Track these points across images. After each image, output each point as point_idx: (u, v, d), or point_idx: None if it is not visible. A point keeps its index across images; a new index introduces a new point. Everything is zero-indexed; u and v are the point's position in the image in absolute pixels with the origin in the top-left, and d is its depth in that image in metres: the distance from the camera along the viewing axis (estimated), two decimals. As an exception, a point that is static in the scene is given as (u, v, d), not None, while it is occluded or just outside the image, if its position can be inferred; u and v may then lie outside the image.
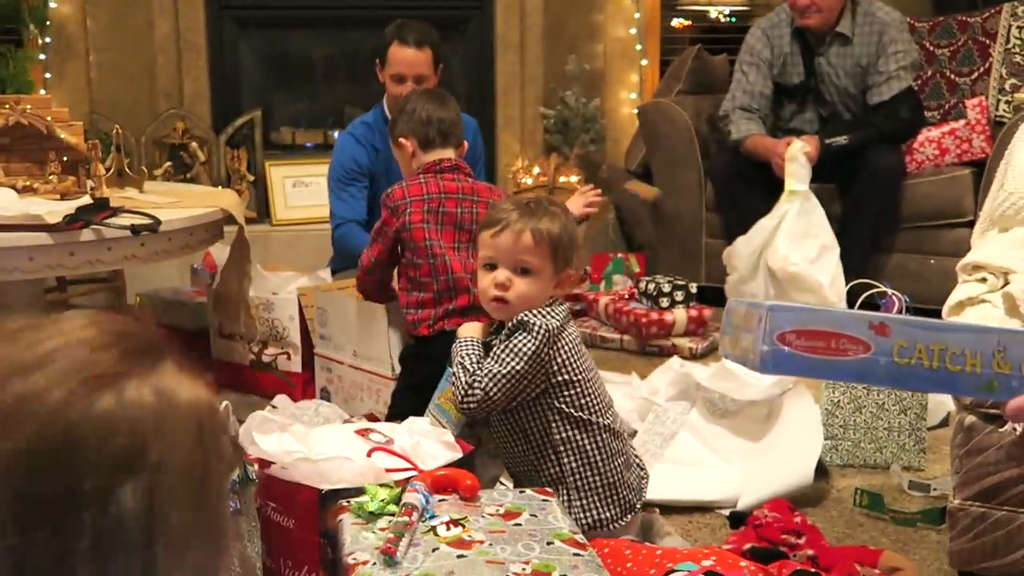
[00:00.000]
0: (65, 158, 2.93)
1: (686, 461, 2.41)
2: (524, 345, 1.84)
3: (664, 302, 3.53)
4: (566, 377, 1.89)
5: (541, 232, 1.86)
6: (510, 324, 1.89)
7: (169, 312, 3.38)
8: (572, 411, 1.89)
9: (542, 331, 1.84)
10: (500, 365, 1.85)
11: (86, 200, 2.59)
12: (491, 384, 1.84)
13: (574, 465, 1.88)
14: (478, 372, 1.86)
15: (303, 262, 4.09)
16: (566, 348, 1.90)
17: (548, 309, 1.89)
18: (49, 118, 2.88)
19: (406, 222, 2.44)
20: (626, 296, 3.70)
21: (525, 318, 1.86)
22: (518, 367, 1.83)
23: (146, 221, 2.52)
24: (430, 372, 2.24)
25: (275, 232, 4.29)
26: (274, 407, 2.87)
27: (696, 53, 4.41)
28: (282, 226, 4.33)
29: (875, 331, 1.07)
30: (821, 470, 2.43)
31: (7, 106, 2.86)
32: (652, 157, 4.19)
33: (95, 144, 2.94)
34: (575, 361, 1.91)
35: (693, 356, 3.45)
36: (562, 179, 4.44)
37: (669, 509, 2.24)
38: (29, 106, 2.86)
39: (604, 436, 1.91)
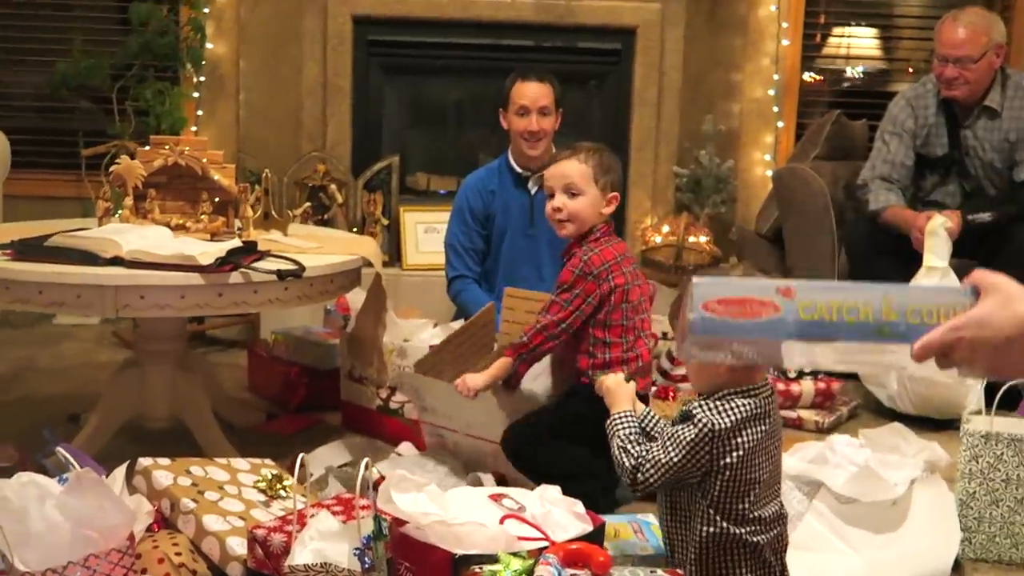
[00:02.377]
0: (217, 199, 3.06)
1: (812, 547, 2.36)
2: (684, 435, 1.81)
3: (791, 373, 3.48)
4: (726, 478, 1.83)
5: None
6: (680, 410, 1.87)
7: (301, 351, 3.46)
8: (719, 515, 1.84)
9: (705, 428, 1.80)
10: (662, 453, 1.84)
11: (235, 242, 2.69)
12: (652, 472, 1.84)
13: (707, 559, 1.85)
14: (643, 457, 1.85)
15: (432, 306, 4.16)
16: (739, 452, 1.82)
17: (722, 404, 1.83)
18: (204, 160, 3.01)
19: (612, 286, 2.57)
20: (753, 363, 3.66)
21: (692, 410, 1.83)
22: (676, 459, 1.81)
23: (291, 267, 2.60)
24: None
25: (405, 276, 4.37)
26: (399, 454, 2.93)
27: (835, 118, 4.36)
28: (413, 270, 4.41)
29: (782, 294, 1.30)
30: (953, 563, 2.36)
31: (167, 147, 2.99)
32: (786, 222, 4.15)
33: (245, 187, 3.06)
34: (744, 469, 1.83)
35: (819, 430, 3.39)
36: (691, 239, 4.42)
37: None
38: (187, 148, 2.99)
39: (740, 550, 1.85)
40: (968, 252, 3.59)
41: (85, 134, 4.72)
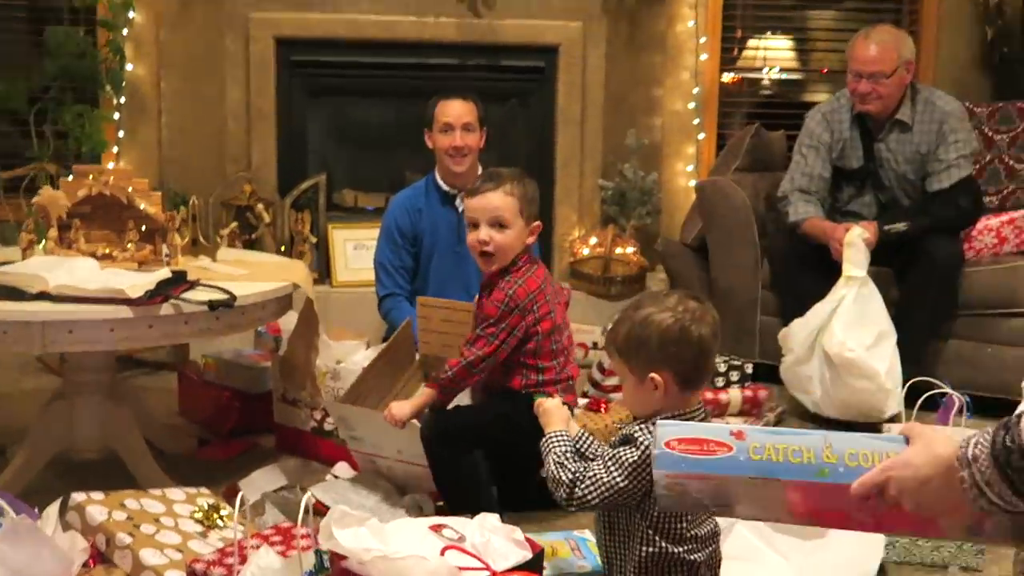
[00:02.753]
0: (144, 227, 3.04)
1: (742, 556, 2.42)
2: (627, 457, 1.85)
3: (719, 382, 3.56)
4: None
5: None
6: (620, 433, 1.91)
7: (233, 374, 3.45)
8: (658, 536, 1.87)
9: (647, 451, 1.83)
10: (604, 472, 1.86)
11: (164, 272, 2.67)
12: (591, 489, 1.86)
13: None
14: (581, 474, 1.87)
15: (362, 324, 4.16)
16: None
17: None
18: (130, 188, 2.99)
19: (536, 317, 2.61)
20: (681, 374, 3.72)
21: (634, 434, 1.86)
22: (618, 480, 1.84)
23: (222, 297, 2.60)
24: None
25: (335, 293, 4.37)
26: (335, 476, 2.93)
27: (755, 131, 4.46)
28: (343, 287, 4.41)
29: (735, 436, 1.47)
30: (879, 568, 2.44)
31: (91, 176, 2.97)
32: (709, 234, 4.23)
33: (173, 215, 3.04)
34: None
35: (747, 437, 3.47)
36: (618, 250, 4.49)
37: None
38: (111, 178, 2.97)
39: (678, 569, 1.88)
40: (884, 261, 3.70)
41: (2, 156, 4.64)
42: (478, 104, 3.61)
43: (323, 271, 4.46)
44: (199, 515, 2.35)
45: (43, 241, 2.95)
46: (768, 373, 4.07)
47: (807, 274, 3.81)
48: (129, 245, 3.00)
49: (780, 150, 4.62)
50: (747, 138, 4.44)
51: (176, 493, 2.44)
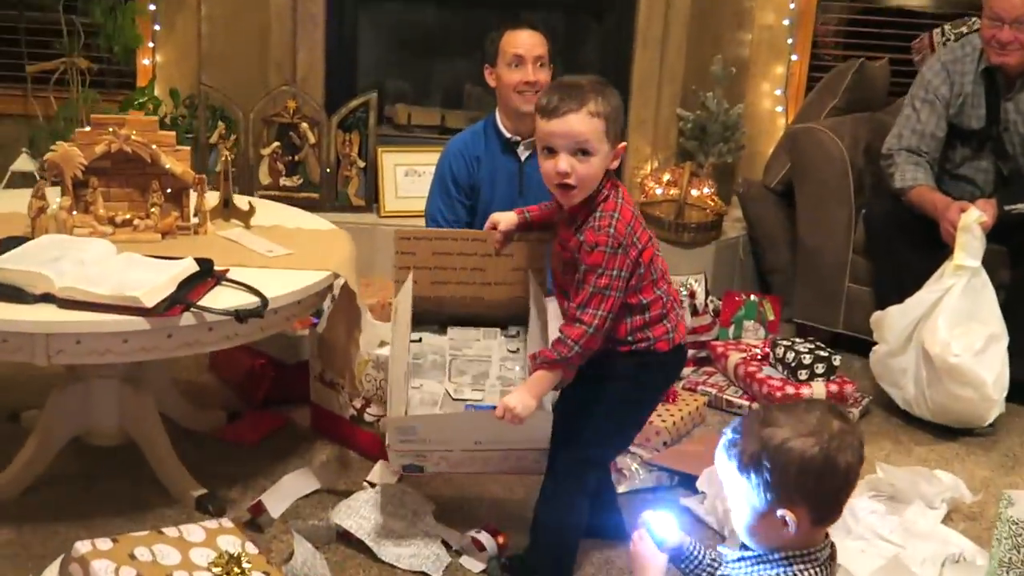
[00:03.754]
0: (169, 189, 2.69)
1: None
2: None
3: (803, 374, 3.21)
4: None
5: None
6: None
7: (267, 341, 3.12)
8: None
9: None
10: None
11: (186, 264, 2.33)
12: None
13: None
14: None
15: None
16: None
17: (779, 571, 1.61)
18: (154, 145, 2.63)
19: (639, 249, 2.20)
20: (759, 357, 3.37)
21: None
22: None
23: (251, 302, 2.27)
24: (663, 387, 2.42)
25: (383, 226, 4.02)
26: (370, 484, 2.65)
27: (858, 67, 3.98)
28: (391, 217, 4.06)
29: None
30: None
31: (110, 130, 2.61)
32: (799, 187, 3.81)
33: (201, 178, 2.69)
34: None
35: (828, 438, 3.14)
36: (694, 192, 4.07)
37: None
38: (134, 132, 2.61)
39: None
40: (998, 238, 3.29)
41: (30, 55, 4.27)
42: (548, 37, 3.16)
43: (370, 198, 4.09)
44: (218, 569, 2.08)
45: (58, 201, 2.61)
46: (852, 345, 3.73)
47: (909, 247, 3.42)
48: (153, 209, 2.66)
49: (883, 85, 4.16)
50: (849, 74, 3.98)
51: (195, 532, 2.16)
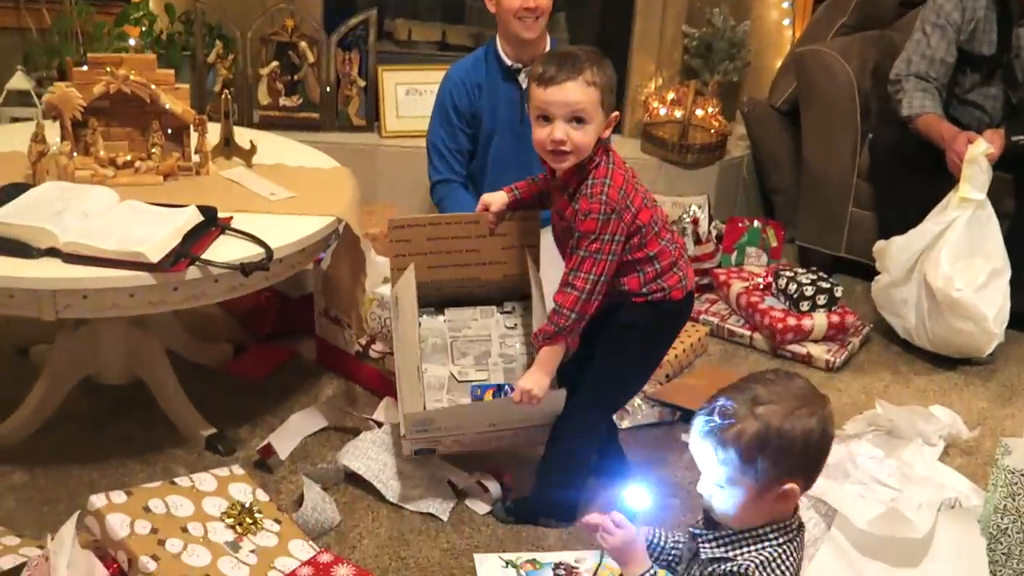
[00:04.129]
0: (169, 129, 2.67)
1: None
2: None
3: (804, 305, 3.22)
4: None
5: (727, 449, 1.57)
6: (720, 565, 1.63)
7: (272, 273, 3.15)
8: None
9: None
10: None
11: (188, 213, 2.32)
12: None
13: None
14: None
15: (411, 182, 3.84)
16: None
17: (775, 563, 1.61)
18: (153, 85, 2.60)
19: (632, 213, 2.22)
20: (761, 286, 3.38)
21: (739, 569, 1.60)
22: None
23: (257, 255, 2.27)
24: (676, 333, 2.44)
25: (384, 147, 3.99)
26: (375, 423, 2.67)
27: (868, -16, 3.90)
28: (392, 138, 4.02)
29: None
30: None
31: (108, 69, 2.57)
32: (805, 111, 3.76)
33: (203, 119, 2.66)
34: None
35: (829, 368, 3.18)
36: (699, 112, 4.03)
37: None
38: (132, 72, 2.57)
39: None
40: (1003, 166, 3.26)
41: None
42: None
43: (371, 118, 4.05)
44: (231, 520, 2.13)
45: (57, 143, 2.58)
46: (853, 269, 3.74)
47: (913, 177, 3.40)
48: (154, 150, 2.64)
49: (892, 2, 4.06)
50: (858, -9, 3.89)
51: (207, 481, 2.21)
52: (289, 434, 2.63)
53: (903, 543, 2.24)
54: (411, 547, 2.31)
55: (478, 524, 2.40)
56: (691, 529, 1.69)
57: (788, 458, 1.55)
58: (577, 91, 2.17)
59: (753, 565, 1.59)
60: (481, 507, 2.45)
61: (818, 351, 3.20)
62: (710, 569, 1.63)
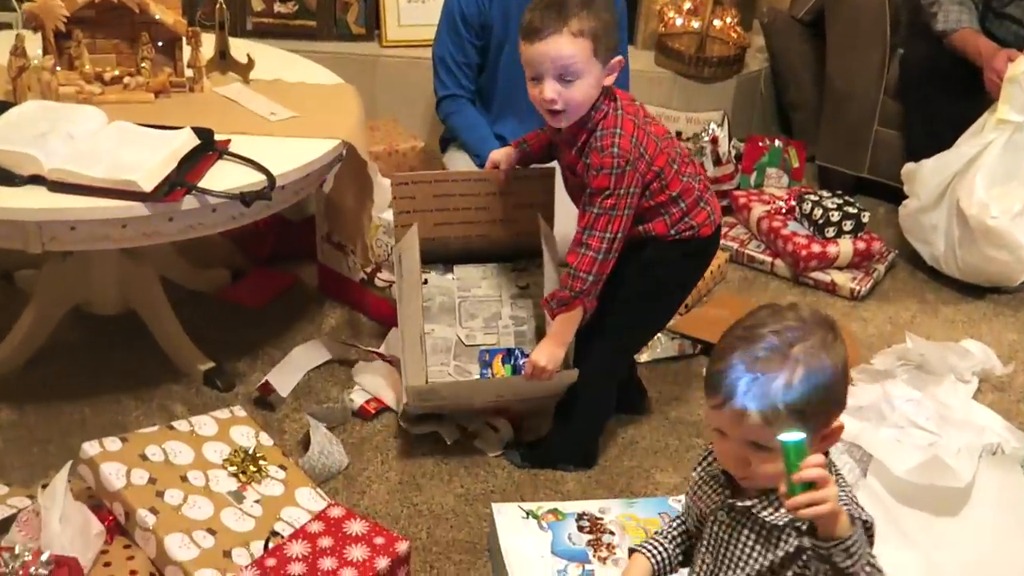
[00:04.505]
0: (160, 42, 2.47)
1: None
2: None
3: (830, 231, 3.07)
4: None
5: (776, 407, 1.34)
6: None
7: (270, 194, 2.98)
8: None
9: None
10: None
11: (183, 136, 2.15)
12: None
13: None
14: None
15: (413, 94, 3.66)
16: None
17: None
18: (141, -8, 2.40)
19: (647, 160, 2.06)
20: (783, 211, 3.23)
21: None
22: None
23: (259, 183, 2.10)
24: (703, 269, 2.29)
25: (384, 57, 3.78)
26: (384, 358, 2.54)
27: None
28: (393, 47, 3.81)
29: None
30: None
31: (92, -25, 2.37)
32: (831, 26, 3.55)
33: (196, 32, 2.47)
34: None
35: (854, 297, 3.04)
36: (716, 22, 3.82)
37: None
38: (117, -21, 2.37)
39: None
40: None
41: None
42: None
43: (371, 26, 3.83)
44: (234, 468, 2.00)
45: (39, 57, 2.39)
46: (877, 191, 3.59)
47: (946, 95, 3.23)
48: (143, 65, 2.45)
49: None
50: None
51: (207, 424, 2.08)
52: (291, 369, 2.50)
53: (943, 491, 2.13)
54: (423, 492, 2.19)
55: (492, 467, 2.29)
56: (735, 503, 1.48)
57: (836, 392, 1.38)
58: (564, 45, 1.98)
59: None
60: (490, 449, 2.33)
61: (843, 279, 3.06)
62: (786, 533, 1.42)
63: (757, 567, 1.45)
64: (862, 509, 1.39)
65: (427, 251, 2.32)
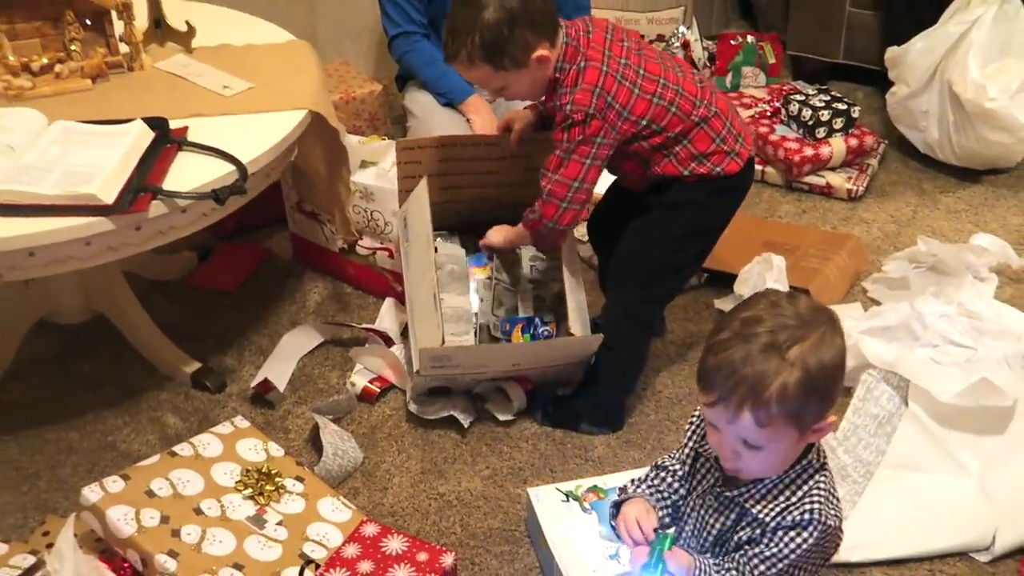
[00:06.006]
0: (88, 20, 2.23)
1: (916, 467, 1.98)
2: (798, 543, 1.46)
3: (820, 132, 2.93)
4: None
5: (770, 410, 1.34)
6: (779, 517, 1.48)
7: (227, 164, 2.76)
8: None
9: (819, 528, 1.45)
10: (766, 566, 1.48)
11: (138, 130, 1.93)
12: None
13: None
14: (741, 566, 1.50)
15: (358, 25, 3.44)
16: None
17: (823, 495, 1.47)
18: (60, -33, 2.15)
19: (618, 109, 1.93)
20: (769, 113, 3.07)
21: (802, 517, 1.45)
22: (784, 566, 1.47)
23: (228, 175, 1.90)
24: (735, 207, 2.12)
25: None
26: (377, 339, 2.38)
27: None
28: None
29: None
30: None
31: (1, -51, 2.11)
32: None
33: (127, 3, 2.23)
34: None
35: (851, 198, 2.92)
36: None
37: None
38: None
39: None
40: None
41: None
42: None
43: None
44: (248, 490, 1.85)
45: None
46: (856, 75, 3.45)
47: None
48: (73, 48, 2.20)
49: None
50: None
51: (210, 445, 1.91)
52: (283, 359, 2.34)
53: (989, 408, 2.04)
54: (448, 480, 2.06)
55: (515, 440, 2.16)
56: (723, 492, 1.54)
57: (833, 390, 1.39)
58: (467, 73, 1.99)
59: (817, 506, 1.44)
60: (503, 414, 2.19)
61: (838, 180, 2.93)
62: (773, 525, 1.47)
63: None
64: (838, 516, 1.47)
65: (433, 215, 2.14)
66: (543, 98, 2.08)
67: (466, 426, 2.16)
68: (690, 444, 1.61)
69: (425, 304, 2.06)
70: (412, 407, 2.18)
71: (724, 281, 2.50)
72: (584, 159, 1.95)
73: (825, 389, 1.37)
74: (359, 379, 2.28)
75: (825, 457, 1.49)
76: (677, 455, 1.66)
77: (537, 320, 2.18)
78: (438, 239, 2.26)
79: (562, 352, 2.07)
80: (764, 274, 2.38)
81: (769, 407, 1.33)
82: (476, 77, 1.98)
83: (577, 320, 2.06)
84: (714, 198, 2.03)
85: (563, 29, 1.96)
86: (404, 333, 2.36)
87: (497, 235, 2.15)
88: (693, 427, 1.61)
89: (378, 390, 2.26)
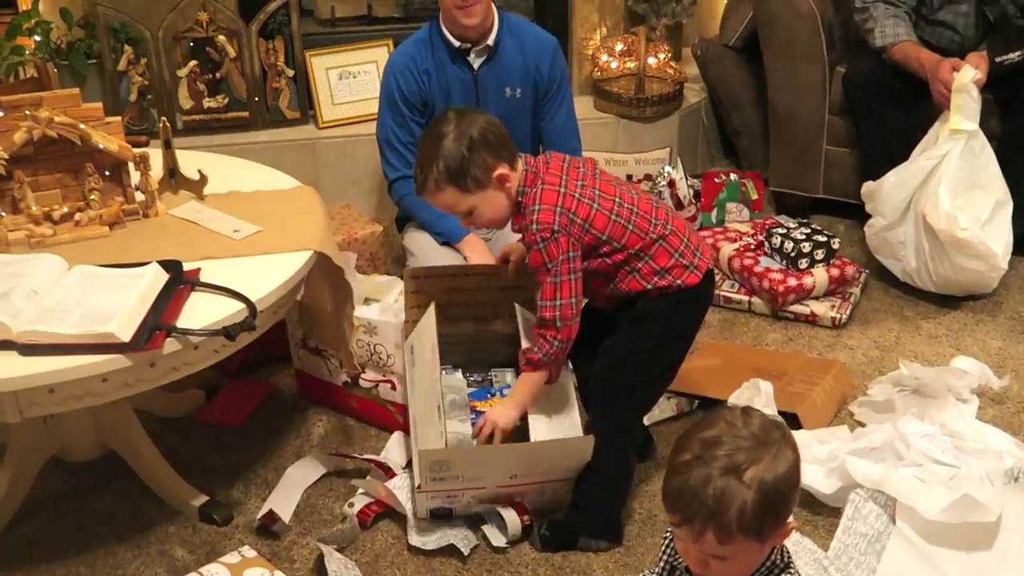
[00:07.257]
0: (107, 171, 2.37)
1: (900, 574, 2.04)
2: None
3: (803, 263, 3.05)
4: None
5: (730, 529, 1.42)
6: None
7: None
8: None
9: None
10: None
11: (153, 274, 2.05)
12: None
13: None
14: None
15: (359, 172, 3.60)
16: None
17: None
18: (82, 124, 2.30)
19: (580, 222, 2.10)
20: (753, 246, 3.20)
21: None
22: None
23: (239, 313, 2.01)
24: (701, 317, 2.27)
25: (324, 138, 3.70)
26: (385, 468, 2.45)
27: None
28: (331, 127, 3.73)
29: None
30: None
31: (26, 111, 2.26)
32: (767, 47, 3.54)
33: (145, 155, 2.37)
34: None
35: (836, 326, 3.02)
36: (651, 60, 3.81)
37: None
38: (56, 116, 2.26)
39: None
40: (985, 87, 3.08)
41: None
42: None
43: (305, 109, 3.74)
44: (258, 620, 1.90)
45: (-20, 204, 2.28)
46: (834, 209, 3.60)
47: (894, 108, 3.25)
48: (92, 197, 2.34)
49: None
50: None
51: (219, 573, 1.98)
52: (288, 491, 2.40)
53: (973, 525, 2.10)
54: (451, 605, 2.11)
55: (515, 565, 2.21)
56: None
57: (789, 503, 1.47)
58: (434, 199, 2.17)
59: None
60: (499, 539, 2.24)
61: (822, 309, 3.04)
62: None
63: None
64: None
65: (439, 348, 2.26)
66: (511, 222, 2.21)
67: (466, 553, 2.21)
68: (664, 558, 1.67)
69: (428, 415, 2.15)
70: (413, 540, 2.24)
71: (715, 407, 2.58)
72: (570, 275, 2.10)
73: (781, 504, 1.45)
74: (358, 501, 2.33)
75: (789, 556, 1.55)
76: (655, 570, 1.72)
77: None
78: (442, 371, 2.36)
79: (557, 454, 2.17)
80: (753, 399, 2.47)
81: (730, 527, 1.41)
82: (445, 203, 2.14)
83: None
84: (678, 309, 2.18)
85: (523, 159, 2.15)
86: (409, 464, 2.43)
87: (498, 415, 2.20)
88: (667, 542, 1.67)
89: (373, 513, 2.31)
